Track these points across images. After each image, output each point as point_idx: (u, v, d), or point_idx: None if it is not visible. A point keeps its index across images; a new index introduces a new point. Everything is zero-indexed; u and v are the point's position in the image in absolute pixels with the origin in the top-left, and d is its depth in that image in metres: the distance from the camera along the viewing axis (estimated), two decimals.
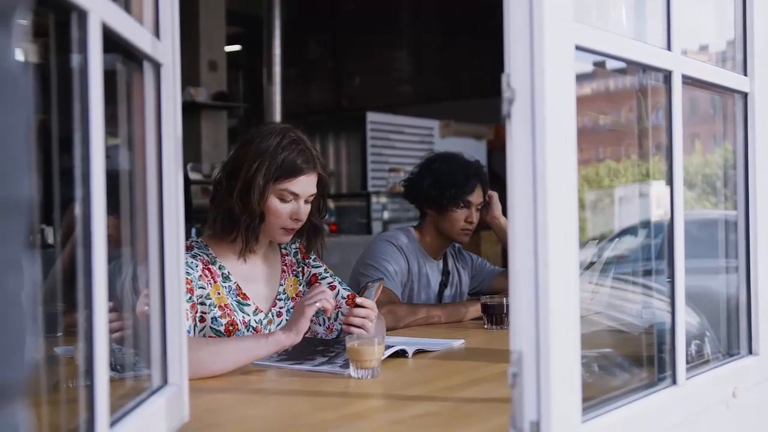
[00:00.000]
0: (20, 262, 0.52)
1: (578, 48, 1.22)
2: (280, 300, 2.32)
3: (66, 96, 0.99)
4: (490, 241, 6.77)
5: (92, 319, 0.97)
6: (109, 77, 1.04)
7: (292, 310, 2.30)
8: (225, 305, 2.17)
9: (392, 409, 1.63)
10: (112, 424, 1.05)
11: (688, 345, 1.55)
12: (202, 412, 1.51)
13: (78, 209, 0.98)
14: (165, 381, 1.33)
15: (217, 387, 1.80)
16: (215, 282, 2.17)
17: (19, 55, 0.56)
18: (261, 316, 2.24)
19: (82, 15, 0.97)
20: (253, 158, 2.15)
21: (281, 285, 2.33)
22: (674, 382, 1.48)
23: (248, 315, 2.21)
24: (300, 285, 2.36)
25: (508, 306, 2.61)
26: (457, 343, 2.32)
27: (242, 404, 1.70)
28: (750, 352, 1.76)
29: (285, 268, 2.36)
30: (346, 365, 1.89)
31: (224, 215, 2.18)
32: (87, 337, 0.97)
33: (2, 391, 0.51)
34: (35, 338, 0.55)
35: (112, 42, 1.08)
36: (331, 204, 7.67)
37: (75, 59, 0.98)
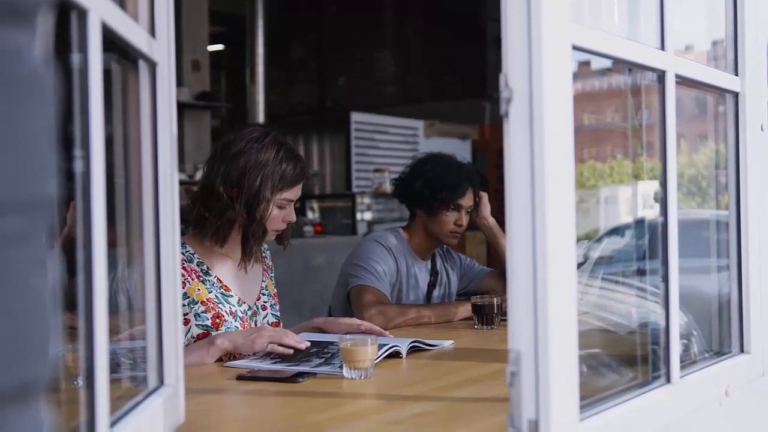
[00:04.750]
0: (45, 262, 0.52)
1: (575, 48, 1.23)
2: (264, 294, 2.37)
3: (65, 94, 0.98)
4: (474, 242, 6.79)
5: (92, 321, 0.97)
6: (104, 76, 1.03)
7: (274, 306, 2.39)
8: (207, 299, 2.19)
9: (388, 409, 1.62)
10: (112, 424, 1.04)
11: None
12: (198, 414, 1.50)
13: (78, 209, 0.97)
14: (161, 382, 1.32)
15: (212, 388, 1.79)
16: (194, 279, 2.19)
17: (43, 54, 0.55)
18: (245, 307, 2.28)
19: (82, 14, 0.96)
20: (254, 170, 2.18)
21: (263, 281, 2.39)
22: (668, 380, 1.49)
23: (233, 306, 2.23)
24: (274, 287, 2.45)
25: (498, 306, 2.63)
26: (448, 344, 2.32)
27: (237, 405, 1.69)
28: (742, 350, 1.77)
29: (265, 267, 2.42)
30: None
31: (226, 225, 2.20)
32: (87, 339, 0.96)
33: (30, 390, 0.51)
34: (57, 337, 0.55)
35: (108, 41, 1.07)
36: (316, 205, 7.66)
37: (74, 58, 0.98)
